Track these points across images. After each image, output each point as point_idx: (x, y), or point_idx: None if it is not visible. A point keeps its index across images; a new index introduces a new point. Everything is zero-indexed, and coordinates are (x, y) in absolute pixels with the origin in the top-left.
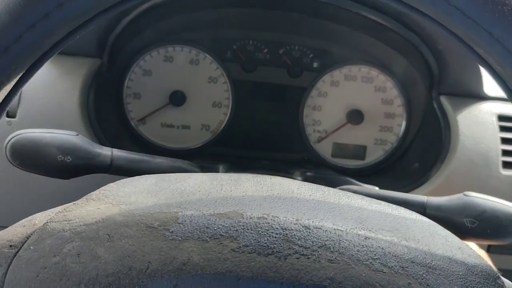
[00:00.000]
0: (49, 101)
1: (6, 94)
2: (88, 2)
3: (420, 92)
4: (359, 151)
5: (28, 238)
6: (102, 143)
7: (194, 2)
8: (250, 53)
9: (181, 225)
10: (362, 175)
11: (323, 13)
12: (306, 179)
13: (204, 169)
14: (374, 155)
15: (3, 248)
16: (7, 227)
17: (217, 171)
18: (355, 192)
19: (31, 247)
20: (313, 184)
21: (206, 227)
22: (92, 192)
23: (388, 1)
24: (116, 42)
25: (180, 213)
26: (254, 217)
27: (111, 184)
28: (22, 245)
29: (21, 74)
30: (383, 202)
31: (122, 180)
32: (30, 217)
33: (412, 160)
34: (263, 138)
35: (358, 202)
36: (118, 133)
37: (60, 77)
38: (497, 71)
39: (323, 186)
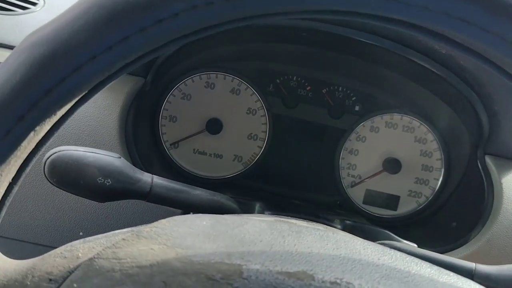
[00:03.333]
0: (89, 116)
1: (64, 112)
2: (169, 29)
3: (463, 149)
4: (392, 201)
5: (70, 273)
6: (135, 163)
7: (249, 34)
8: (293, 89)
9: (245, 280)
10: (393, 226)
11: (372, 56)
12: (345, 227)
13: (240, 204)
14: (407, 206)
15: (41, 282)
16: (30, 242)
17: (253, 208)
18: (398, 249)
19: (75, 285)
20: (377, 244)
21: (274, 287)
22: (142, 228)
23: (444, 44)
24: (163, 64)
25: (244, 267)
26: (326, 281)
27: (163, 221)
28: (64, 280)
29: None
30: (451, 273)
31: (174, 218)
32: (69, 246)
33: (447, 217)
34: (296, 176)
35: (428, 271)
36: (149, 154)
37: (102, 92)
38: None
39: (388, 249)
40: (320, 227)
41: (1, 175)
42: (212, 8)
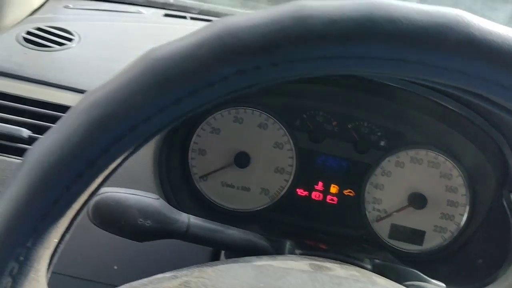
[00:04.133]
0: None
1: (101, 181)
2: (219, 91)
3: (488, 185)
4: (417, 236)
5: None
6: (167, 198)
7: None
8: (319, 124)
9: None
10: (419, 262)
11: (398, 97)
12: (374, 267)
13: (271, 242)
14: (433, 242)
15: None
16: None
17: (284, 246)
18: None
19: None
20: None
21: None
22: (188, 276)
23: (481, 102)
24: None
25: None
26: None
27: (208, 271)
28: None
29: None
30: None
31: (219, 268)
32: None
33: (474, 254)
34: (322, 210)
35: None
36: (180, 187)
37: None
38: None
39: None
40: (357, 273)
41: (57, 227)
42: (260, 71)
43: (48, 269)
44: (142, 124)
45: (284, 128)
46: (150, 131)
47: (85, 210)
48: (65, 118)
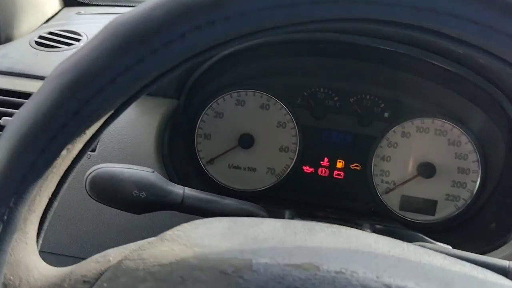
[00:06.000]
0: (128, 137)
1: (94, 132)
2: (179, 49)
3: (498, 149)
4: (429, 206)
5: (102, 274)
6: (173, 180)
7: (272, 51)
8: (321, 100)
9: (255, 273)
10: (432, 232)
11: (396, 63)
12: (375, 232)
13: (270, 213)
14: (445, 211)
15: (76, 283)
16: (81, 258)
17: (283, 216)
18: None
19: (105, 284)
20: (391, 238)
21: (281, 278)
22: (166, 232)
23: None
24: (194, 85)
25: (254, 261)
26: (331, 270)
27: (185, 225)
28: (96, 281)
29: (109, 114)
30: (467, 263)
31: (195, 221)
32: (104, 253)
33: (487, 219)
34: (329, 186)
35: (441, 261)
36: (188, 171)
37: (139, 115)
38: None
39: (402, 242)
40: (340, 227)
41: (40, 190)
42: (215, 27)
43: (38, 234)
44: (109, 86)
45: (285, 107)
46: (118, 93)
47: (71, 177)
48: (39, 89)
